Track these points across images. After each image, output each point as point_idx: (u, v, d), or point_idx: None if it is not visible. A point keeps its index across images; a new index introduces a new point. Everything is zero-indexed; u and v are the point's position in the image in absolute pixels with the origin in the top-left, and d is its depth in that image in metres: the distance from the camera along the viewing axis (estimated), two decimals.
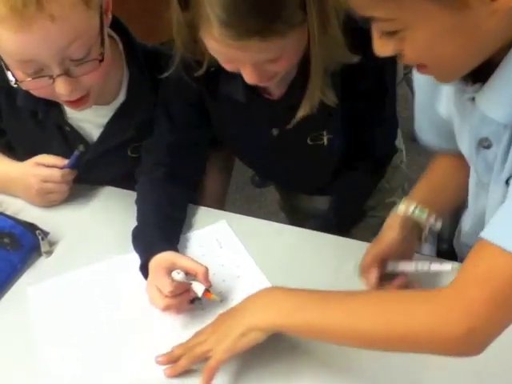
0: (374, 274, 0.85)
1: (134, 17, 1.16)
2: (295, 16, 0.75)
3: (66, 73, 0.89)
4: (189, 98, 1.00)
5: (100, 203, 1.12)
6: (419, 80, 0.83)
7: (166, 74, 0.95)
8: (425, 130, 0.91)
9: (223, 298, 0.89)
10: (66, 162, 1.05)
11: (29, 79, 0.90)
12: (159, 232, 0.96)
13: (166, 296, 0.84)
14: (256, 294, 0.78)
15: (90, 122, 1.07)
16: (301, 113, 0.89)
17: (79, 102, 0.97)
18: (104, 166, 1.11)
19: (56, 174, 1.05)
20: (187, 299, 0.87)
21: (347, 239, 1.01)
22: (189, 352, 0.79)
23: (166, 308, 0.85)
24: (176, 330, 0.87)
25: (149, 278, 0.89)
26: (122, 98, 1.06)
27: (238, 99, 0.93)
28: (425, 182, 0.93)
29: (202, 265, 0.87)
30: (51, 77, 0.89)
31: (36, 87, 0.92)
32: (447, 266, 0.83)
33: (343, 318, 0.70)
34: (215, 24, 0.73)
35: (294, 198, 1.32)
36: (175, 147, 1.04)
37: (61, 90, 0.91)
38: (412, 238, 0.89)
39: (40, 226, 1.02)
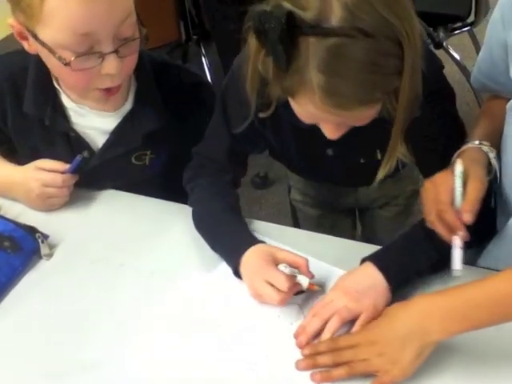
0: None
1: None
2: (393, 82, 0.74)
3: (116, 51, 0.90)
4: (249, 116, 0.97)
5: (101, 206, 1.11)
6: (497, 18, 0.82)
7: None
8: (482, 73, 0.92)
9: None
10: (67, 166, 1.05)
11: (78, 58, 0.89)
12: (244, 227, 0.96)
13: (283, 291, 0.84)
14: (416, 309, 0.77)
15: (96, 128, 1.07)
16: (381, 174, 0.89)
17: (115, 90, 0.98)
18: (107, 173, 1.11)
19: (57, 178, 1.04)
20: (292, 292, 0.86)
21: (351, 241, 1.01)
22: (341, 357, 0.79)
23: (282, 302, 0.85)
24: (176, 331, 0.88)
25: (252, 273, 0.87)
26: (128, 106, 1.06)
27: (299, 126, 0.89)
28: (485, 126, 0.91)
29: (302, 256, 0.87)
30: (101, 55, 0.90)
31: (84, 67, 0.90)
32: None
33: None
34: (319, 93, 0.71)
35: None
36: (234, 156, 1.04)
37: (110, 69, 0.91)
38: None
39: (40, 229, 1.01)
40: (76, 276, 0.97)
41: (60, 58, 0.89)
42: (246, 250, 0.89)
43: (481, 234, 0.89)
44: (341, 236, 1.03)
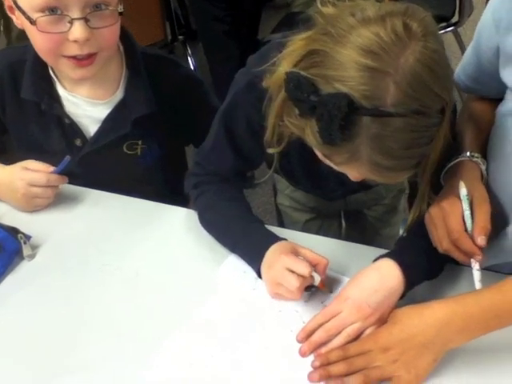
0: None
1: None
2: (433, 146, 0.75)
3: (85, 18, 0.93)
4: (256, 133, 0.94)
5: (85, 206, 1.11)
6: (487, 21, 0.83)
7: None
8: (467, 75, 0.92)
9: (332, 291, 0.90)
10: (52, 168, 1.05)
11: (47, 17, 0.93)
12: (265, 228, 0.96)
13: (303, 277, 0.84)
14: (434, 317, 0.76)
15: (88, 117, 1.10)
16: (411, 218, 0.87)
17: (86, 62, 0.99)
18: (100, 162, 1.12)
19: (43, 178, 1.05)
20: (306, 285, 0.87)
21: (340, 241, 1.01)
22: (354, 365, 0.77)
23: (299, 290, 0.85)
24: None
25: (272, 262, 0.87)
26: (120, 95, 1.10)
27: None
28: (473, 131, 0.91)
29: (323, 257, 0.87)
30: (70, 20, 0.93)
31: (52, 30, 0.94)
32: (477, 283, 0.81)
33: None
34: (368, 166, 0.72)
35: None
36: (237, 171, 1.03)
37: (76, 35, 0.93)
38: None
39: (23, 229, 1.00)
40: (59, 277, 0.96)
41: (29, 18, 0.93)
42: (269, 247, 0.90)
43: None
44: (327, 237, 1.02)
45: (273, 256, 0.89)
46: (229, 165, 1.00)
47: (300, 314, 0.87)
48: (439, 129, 0.72)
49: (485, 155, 0.89)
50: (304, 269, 0.84)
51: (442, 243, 0.81)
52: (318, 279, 0.86)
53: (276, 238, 0.92)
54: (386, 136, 0.68)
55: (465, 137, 0.91)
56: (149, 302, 0.91)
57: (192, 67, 2.55)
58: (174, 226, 1.05)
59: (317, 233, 1.28)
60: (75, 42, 0.95)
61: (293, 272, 0.85)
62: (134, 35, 1.12)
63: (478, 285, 0.79)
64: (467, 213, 0.80)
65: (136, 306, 0.91)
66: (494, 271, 0.92)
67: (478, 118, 0.93)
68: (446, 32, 2.26)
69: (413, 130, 0.69)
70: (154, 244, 1.02)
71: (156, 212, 1.09)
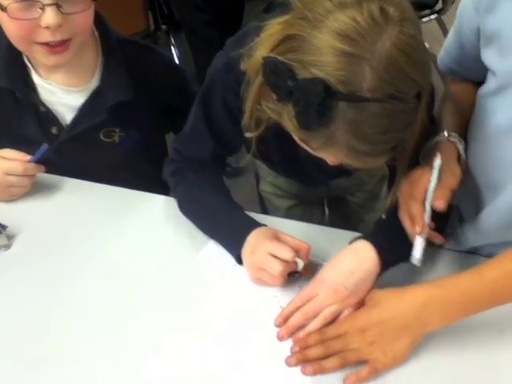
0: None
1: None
2: (411, 130, 0.75)
3: (57, 4, 0.92)
4: (233, 115, 0.94)
5: (62, 196, 1.09)
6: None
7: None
8: (450, 58, 0.92)
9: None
10: (28, 157, 1.04)
11: (17, 4, 0.92)
12: (244, 214, 0.95)
13: (286, 262, 0.84)
14: (412, 301, 0.77)
15: (64, 104, 1.09)
16: (389, 201, 0.87)
17: (59, 48, 0.98)
18: (77, 150, 1.11)
19: (19, 167, 1.03)
20: (289, 271, 0.86)
21: (323, 227, 1.01)
22: (331, 348, 0.78)
23: (282, 274, 0.85)
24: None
25: (255, 247, 0.87)
26: (95, 82, 1.08)
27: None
28: (453, 112, 0.92)
29: (305, 242, 0.87)
30: (42, 6, 0.91)
31: (24, 16, 0.93)
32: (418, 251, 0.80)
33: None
34: (345, 151, 0.71)
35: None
36: (216, 157, 1.02)
37: (48, 20, 0.92)
38: None
39: None
40: (35, 267, 0.95)
41: (0, 5, 0.92)
42: (249, 233, 0.89)
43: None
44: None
45: (255, 241, 0.88)
46: (207, 150, 0.99)
47: (278, 299, 0.86)
48: (416, 114, 0.72)
49: (465, 137, 0.88)
50: (287, 253, 0.84)
51: (400, 212, 0.81)
52: (301, 264, 0.86)
53: (256, 224, 0.91)
54: (362, 121, 0.68)
55: (445, 118, 0.91)
56: (128, 291, 0.90)
57: (175, 57, 2.52)
58: (153, 214, 1.04)
59: (299, 220, 1.28)
60: (47, 28, 0.94)
61: (276, 257, 0.85)
62: (116, 25, 1.11)
63: (417, 252, 0.78)
64: (435, 181, 0.79)
65: (115, 295, 0.90)
66: (473, 253, 0.93)
67: (460, 99, 0.93)
68: (430, 19, 2.25)
69: (389, 115, 0.68)
70: (132, 232, 1.01)
71: (135, 200, 1.07)
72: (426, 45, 2.19)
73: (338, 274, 0.81)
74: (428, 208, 0.79)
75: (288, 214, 1.30)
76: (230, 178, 2.19)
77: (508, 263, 0.76)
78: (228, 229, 0.94)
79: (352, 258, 0.82)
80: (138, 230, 1.01)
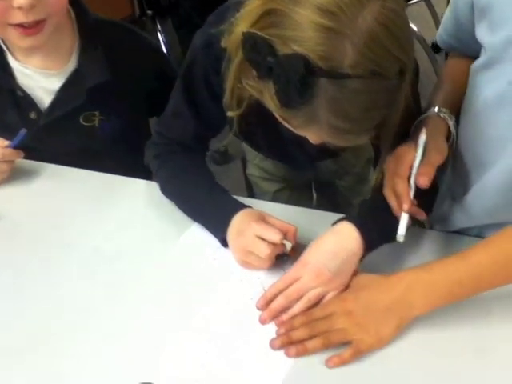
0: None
1: None
2: (394, 108, 0.73)
3: None
4: (214, 94, 0.92)
5: (42, 182, 1.07)
6: None
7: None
8: (448, 33, 0.91)
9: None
10: (7, 143, 1.02)
11: None
12: (229, 195, 0.94)
13: (273, 244, 0.82)
14: (400, 283, 0.76)
15: (42, 88, 1.08)
16: (374, 181, 0.87)
17: (33, 30, 0.96)
18: (57, 135, 1.10)
19: None
20: (277, 253, 0.85)
21: (312, 210, 1.01)
22: (316, 329, 0.76)
23: (270, 256, 0.83)
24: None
25: (241, 230, 0.85)
26: (73, 64, 1.07)
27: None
28: (447, 87, 0.90)
29: (292, 224, 0.85)
30: None
31: None
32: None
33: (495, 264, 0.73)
34: (326, 129, 0.70)
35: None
36: (198, 138, 1.00)
37: (20, 1, 0.90)
38: None
39: None
40: (15, 254, 0.93)
41: None
42: (234, 214, 0.87)
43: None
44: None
45: (241, 223, 0.86)
46: (189, 131, 0.97)
47: (261, 282, 0.85)
48: (399, 91, 0.70)
49: (458, 112, 0.87)
50: (275, 236, 0.82)
51: (385, 189, 0.80)
52: (289, 246, 0.84)
53: (241, 206, 0.89)
54: (343, 98, 0.66)
55: (437, 93, 0.90)
56: (108, 277, 0.89)
57: (162, 43, 2.49)
58: (136, 199, 1.02)
59: (286, 202, 1.26)
60: (20, 9, 0.92)
61: (263, 240, 0.83)
62: (100, 10, 1.10)
63: (401, 229, 0.76)
64: (419, 157, 0.78)
65: (95, 281, 0.88)
66: (462, 234, 0.92)
67: (456, 75, 0.91)
68: (419, 1, 2.23)
69: (371, 92, 0.67)
70: (114, 218, 0.99)
71: (116, 185, 1.05)
72: (415, 27, 2.18)
73: (321, 256, 0.80)
74: (413, 185, 0.78)
75: (275, 198, 1.28)
76: (219, 165, 2.20)
77: (494, 250, 0.75)
78: (212, 211, 0.92)
79: (335, 239, 0.81)
80: (119, 215, 0.99)
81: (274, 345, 0.76)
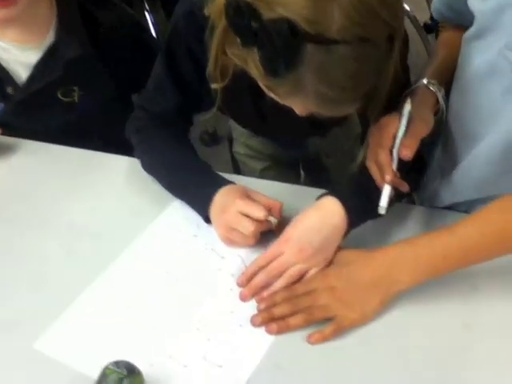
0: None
1: None
2: (383, 75, 0.71)
3: None
4: (198, 65, 0.89)
5: (20, 159, 1.05)
6: None
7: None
8: (442, 2, 0.89)
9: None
10: None
11: None
12: (211, 170, 0.91)
13: (257, 221, 0.80)
14: (384, 258, 0.74)
15: (19, 63, 1.06)
16: (361, 156, 0.84)
17: (7, 2, 0.94)
18: (34, 111, 1.08)
19: None
20: (262, 230, 0.82)
21: (299, 186, 0.98)
22: (298, 305, 0.74)
23: (254, 233, 0.81)
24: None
25: (225, 207, 0.82)
26: (51, 38, 1.04)
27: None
28: (439, 58, 0.88)
29: (276, 200, 0.83)
30: None
31: None
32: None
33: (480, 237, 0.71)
34: (313, 98, 0.67)
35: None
36: (181, 112, 0.97)
37: None
38: None
39: None
40: None
41: None
42: (217, 191, 0.84)
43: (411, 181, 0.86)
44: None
45: (225, 200, 0.83)
46: (172, 104, 0.94)
47: (243, 259, 0.83)
48: (388, 59, 0.67)
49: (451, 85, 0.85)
50: (260, 212, 0.80)
51: (368, 160, 0.78)
52: (274, 222, 0.82)
53: (225, 182, 0.87)
54: (330, 65, 0.63)
55: (428, 65, 0.87)
56: (84, 254, 0.86)
57: (150, 23, 2.45)
58: (116, 176, 1.00)
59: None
60: None
61: (247, 216, 0.80)
62: None
63: (383, 201, 0.74)
64: (403, 128, 0.76)
65: (72, 258, 0.86)
66: (451, 209, 0.90)
67: (448, 47, 0.89)
68: None
69: (359, 59, 0.64)
70: (92, 195, 0.96)
71: (96, 162, 1.03)
72: (407, 7, 2.13)
73: (303, 232, 0.77)
74: (395, 156, 0.75)
75: (262, 177, 1.25)
76: (208, 146, 2.17)
77: (481, 222, 0.73)
78: (195, 188, 0.89)
79: (318, 214, 0.78)
80: (99, 192, 0.97)
81: (254, 321, 0.74)
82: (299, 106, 0.71)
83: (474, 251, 0.72)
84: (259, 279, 0.77)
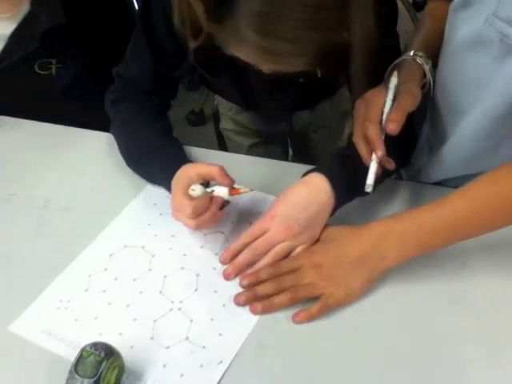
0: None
1: None
2: (338, 32, 0.67)
3: None
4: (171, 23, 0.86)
5: None
6: None
7: None
8: None
9: (253, 189, 0.81)
10: None
11: None
12: (176, 149, 0.88)
13: (191, 217, 0.75)
14: (370, 234, 0.72)
15: None
16: (348, 130, 0.83)
17: None
18: (11, 85, 1.06)
19: None
20: (217, 208, 0.78)
21: (287, 163, 0.96)
22: (283, 283, 0.72)
23: (199, 227, 0.77)
24: None
25: (173, 191, 0.79)
26: (26, 7, 1.02)
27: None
28: (425, 30, 0.85)
29: (215, 164, 0.76)
30: None
31: None
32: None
33: (470, 211, 0.68)
34: (254, 50, 0.66)
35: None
36: (159, 78, 0.93)
37: None
38: None
39: None
40: None
41: None
42: (175, 172, 0.80)
43: (401, 157, 0.85)
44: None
45: (172, 190, 0.80)
46: (148, 70, 0.91)
47: (226, 236, 0.80)
48: (346, 12, 0.63)
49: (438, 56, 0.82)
50: (187, 210, 0.74)
51: (355, 135, 0.75)
52: (225, 192, 0.76)
53: (184, 161, 0.82)
54: (269, 13, 0.61)
55: (416, 37, 0.84)
56: (60, 231, 0.84)
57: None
58: (92, 152, 0.97)
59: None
60: None
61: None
62: None
63: (370, 178, 0.71)
64: (389, 101, 0.73)
65: (45, 235, 0.83)
66: (440, 185, 0.88)
67: (436, 17, 0.86)
68: None
69: (301, 9, 0.60)
70: (68, 171, 0.94)
71: (75, 138, 1.01)
72: None
73: (289, 209, 0.75)
74: (384, 117, 0.72)
75: (249, 153, 1.23)
76: (195, 126, 2.14)
77: (470, 196, 0.70)
78: (157, 168, 0.85)
79: (304, 191, 0.75)
80: (75, 168, 0.95)
81: (238, 301, 0.72)
82: (243, 56, 0.69)
83: (464, 225, 0.70)
84: (244, 257, 0.74)
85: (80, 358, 0.61)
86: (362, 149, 0.73)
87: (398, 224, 0.71)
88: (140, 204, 0.87)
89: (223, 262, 0.76)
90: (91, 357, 0.61)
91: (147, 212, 0.85)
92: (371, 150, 0.72)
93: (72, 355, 0.62)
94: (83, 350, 0.62)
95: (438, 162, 0.86)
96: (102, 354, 0.61)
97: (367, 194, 0.73)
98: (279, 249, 0.74)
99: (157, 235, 0.82)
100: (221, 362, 0.67)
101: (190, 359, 0.67)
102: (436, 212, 0.70)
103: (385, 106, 0.73)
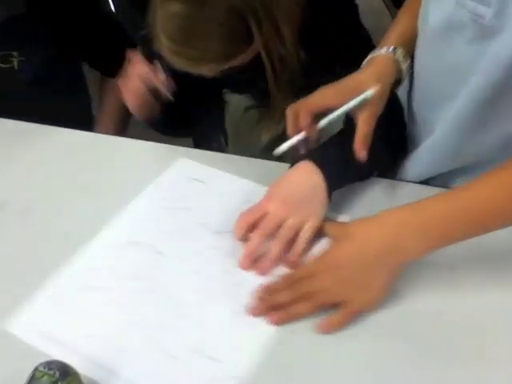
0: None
1: None
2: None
3: None
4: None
5: None
6: None
7: None
8: None
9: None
10: None
11: None
12: None
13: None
14: (386, 228, 0.66)
15: None
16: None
17: None
18: None
19: None
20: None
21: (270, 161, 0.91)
22: (299, 290, 0.67)
23: (138, 89, 0.84)
24: None
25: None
26: None
27: None
28: (401, 24, 0.85)
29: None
30: None
31: None
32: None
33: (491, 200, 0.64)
34: (167, 50, 0.74)
35: None
36: None
37: None
38: None
39: None
40: None
41: None
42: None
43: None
44: None
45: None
46: None
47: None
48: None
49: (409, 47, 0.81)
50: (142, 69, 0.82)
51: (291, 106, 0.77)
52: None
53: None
54: (168, 18, 0.71)
55: (393, 30, 0.83)
56: (18, 234, 0.79)
57: None
58: (57, 151, 0.92)
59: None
60: None
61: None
62: None
63: (285, 145, 0.76)
64: (343, 108, 0.74)
65: (36, 234, 0.79)
66: (426, 184, 0.85)
67: (412, 10, 0.84)
68: None
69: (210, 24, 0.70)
70: (27, 172, 0.89)
71: (38, 135, 0.95)
72: None
73: (284, 188, 0.76)
74: (331, 116, 0.75)
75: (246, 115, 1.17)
76: None
77: (495, 181, 0.65)
78: None
79: (296, 173, 0.77)
80: (35, 168, 0.89)
81: (253, 312, 0.67)
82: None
83: (482, 217, 0.65)
84: (254, 242, 0.72)
85: (32, 379, 0.56)
86: (289, 121, 0.76)
87: (418, 211, 0.66)
88: (143, 201, 0.83)
89: (242, 264, 0.73)
90: (45, 377, 0.56)
91: (152, 210, 0.82)
92: (299, 127, 0.76)
93: (66, 356, 0.59)
94: (36, 369, 0.56)
95: (418, 160, 0.84)
96: (57, 374, 0.56)
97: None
98: (285, 229, 0.72)
99: (165, 231, 0.78)
100: (232, 377, 0.61)
101: (198, 372, 0.62)
102: (454, 202, 0.65)
103: (339, 109, 0.74)
